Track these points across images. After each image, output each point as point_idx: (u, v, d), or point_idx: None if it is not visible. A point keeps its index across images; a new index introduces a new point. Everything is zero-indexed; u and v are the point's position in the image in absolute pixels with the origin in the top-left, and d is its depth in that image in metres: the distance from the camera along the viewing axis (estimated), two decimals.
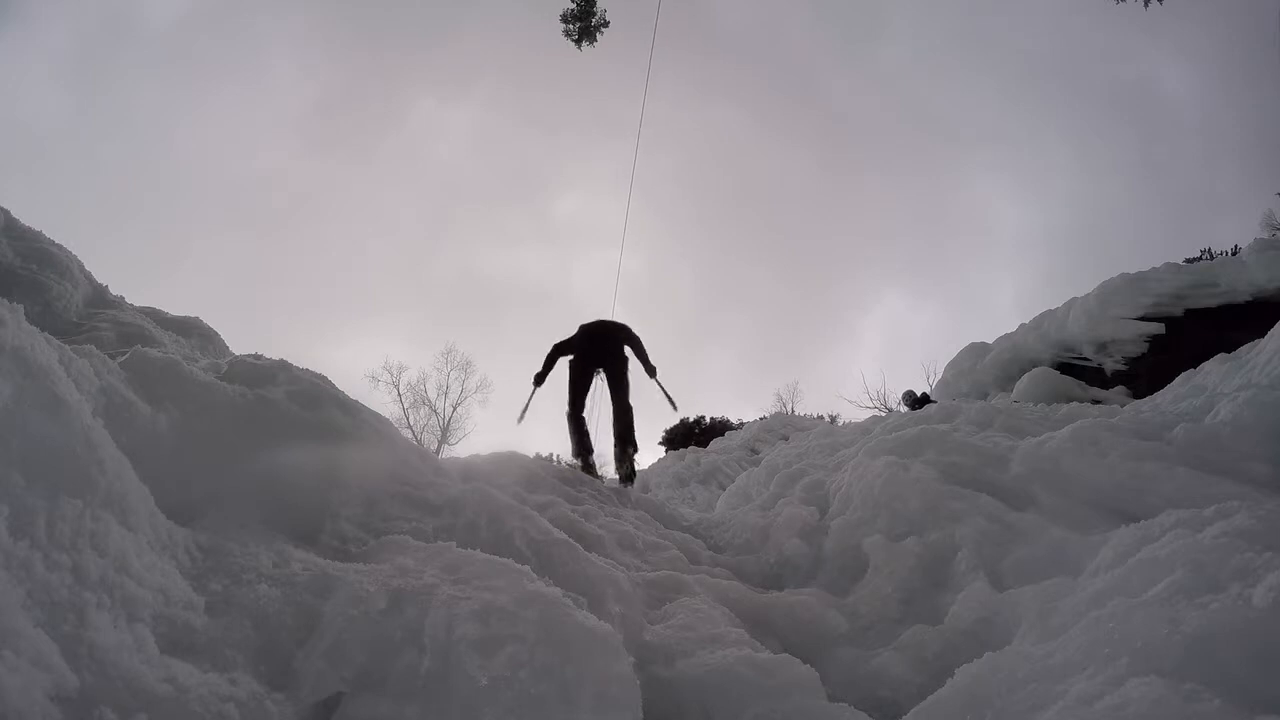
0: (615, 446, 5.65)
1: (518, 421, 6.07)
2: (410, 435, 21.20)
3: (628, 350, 5.80)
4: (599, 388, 5.82)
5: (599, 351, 5.77)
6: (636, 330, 5.93)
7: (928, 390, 12.44)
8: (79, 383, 1.68)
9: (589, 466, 5.75)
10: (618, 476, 5.64)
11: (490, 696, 1.43)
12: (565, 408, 5.76)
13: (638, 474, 6.06)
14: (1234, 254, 10.93)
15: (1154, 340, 9.84)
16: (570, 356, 5.86)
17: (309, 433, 2.25)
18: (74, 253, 5.62)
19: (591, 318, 6.10)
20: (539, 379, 5.91)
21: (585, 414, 5.77)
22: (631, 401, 5.68)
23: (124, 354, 2.14)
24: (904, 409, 11.15)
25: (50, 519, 1.28)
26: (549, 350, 5.93)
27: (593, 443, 5.88)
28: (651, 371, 5.81)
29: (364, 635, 1.51)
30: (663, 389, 5.81)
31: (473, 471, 3.28)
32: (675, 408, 5.97)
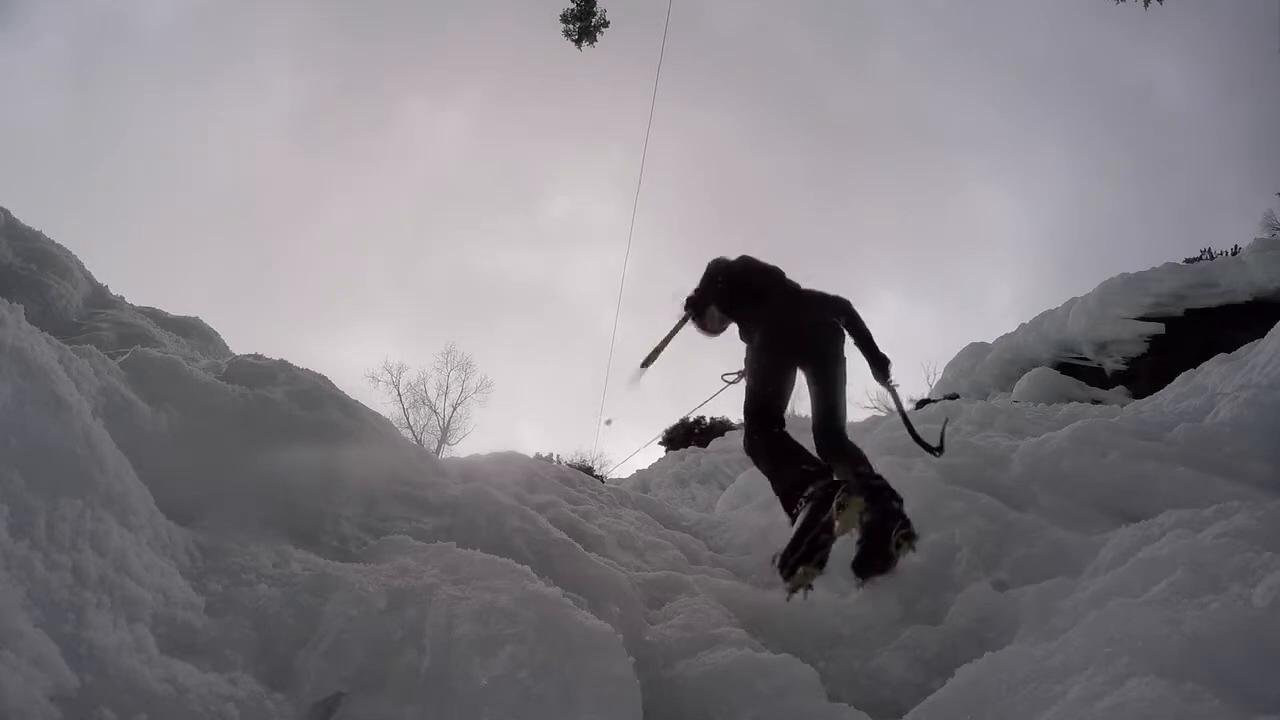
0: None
1: (640, 368, 3.44)
2: (410, 435, 21.23)
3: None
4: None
5: (807, 331, 3.05)
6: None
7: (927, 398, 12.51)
8: (79, 383, 1.68)
9: (824, 525, 2.53)
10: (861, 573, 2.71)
11: (490, 696, 1.43)
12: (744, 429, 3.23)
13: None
14: (1234, 254, 10.92)
15: (1154, 340, 9.84)
16: (745, 327, 3.17)
17: (309, 433, 2.25)
18: (74, 253, 5.63)
19: (760, 257, 3.22)
20: (695, 306, 3.24)
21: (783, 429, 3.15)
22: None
23: (124, 354, 2.14)
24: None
25: (50, 519, 1.28)
26: (708, 271, 3.23)
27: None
28: (884, 368, 3.08)
29: (364, 635, 1.51)
30: (902, 412, 3.23)
31: (473, 471, 3.27)
32: (939, 450, 3.06)
